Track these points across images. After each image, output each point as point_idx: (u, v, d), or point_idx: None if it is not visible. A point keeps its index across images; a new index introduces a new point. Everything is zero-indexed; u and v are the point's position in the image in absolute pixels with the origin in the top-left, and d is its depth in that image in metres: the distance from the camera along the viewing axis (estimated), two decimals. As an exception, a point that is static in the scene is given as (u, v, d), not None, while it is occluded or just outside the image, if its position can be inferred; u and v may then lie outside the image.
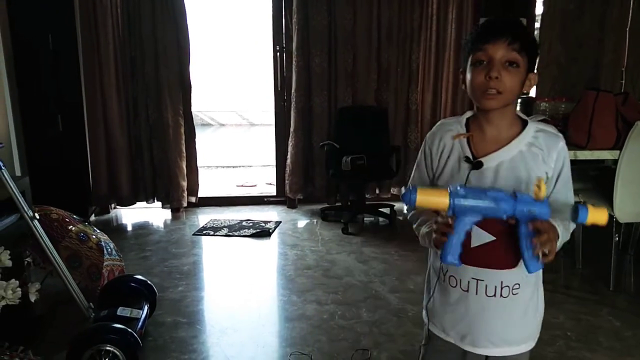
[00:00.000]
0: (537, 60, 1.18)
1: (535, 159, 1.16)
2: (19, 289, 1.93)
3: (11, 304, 1.91)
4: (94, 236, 2.71)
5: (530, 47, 1.13)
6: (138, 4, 4.09)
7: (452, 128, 1.24)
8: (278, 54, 4.48)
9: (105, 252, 2.68)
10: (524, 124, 1.20)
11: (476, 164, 1.16)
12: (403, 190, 1.11)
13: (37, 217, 2.19)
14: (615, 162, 2.74)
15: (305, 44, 4.30)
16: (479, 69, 1.12)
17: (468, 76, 1.15)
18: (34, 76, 3.87)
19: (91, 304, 2.27)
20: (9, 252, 1.96)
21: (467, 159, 1.18)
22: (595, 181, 3.13)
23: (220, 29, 10.97)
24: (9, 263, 1.94)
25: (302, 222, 4.28)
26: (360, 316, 2.61)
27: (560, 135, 1.21)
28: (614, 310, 2.66)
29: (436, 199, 1.06)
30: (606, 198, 2.82)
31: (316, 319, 2.58)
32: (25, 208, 2.12)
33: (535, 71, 1.18)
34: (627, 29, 4.26)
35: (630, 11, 4.24)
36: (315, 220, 4.27)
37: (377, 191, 4.69)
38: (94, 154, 4.22)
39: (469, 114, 1.25)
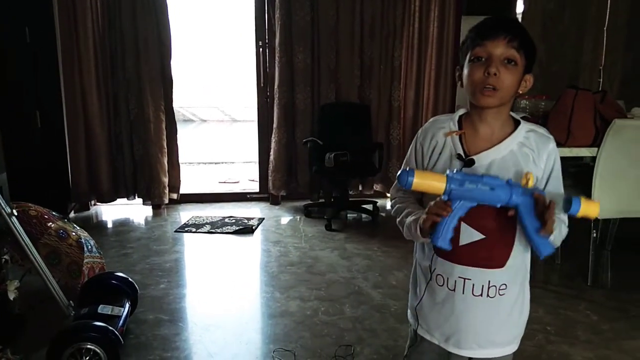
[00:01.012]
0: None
1: (526, 159, 1.17)
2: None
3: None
4: (73, 233, 2.67)
5: (529, 47, 1.14)
6: (118, -3, 4.03)
7: (444, 125, 1.23)
8: (261, 49, 4.46)
9: (85, 249, 2.64)
10: (517, 123, 1.21)
11: (468, 162, 1.16)
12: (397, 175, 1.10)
13: (15, 213, 2.15)
14: (594, 159, 2.79)
15: (288, 40, 4.28)
16: (477, 65, 1.12)
17: (465, 72, 1.15)
18: (10, 71, 3.77)
19: (71, 301, 2.24)
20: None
21: (459, 157, 1.18)
22: (574, 178, 3.18)
23: (202, 24, 10.85)
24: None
25: (285, 219, 4.27)
26: (343, 312, 2.62)
27: (551, 136, 1.22)
28: (591, 304, 2.71)
29: (433, 183, 1.07)
30: (585, 194, 2.85)
31: (299, 315, 2.58)
32: (2, 204, 2.08)
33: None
34: (605, 29, 4.34)
35: (608, 11, 4.31)
36: (298, 217, 4.27)
37: (360, 188, 4.70)
38: (74, 149, 4.15)
39: (461, 111, 1.25)
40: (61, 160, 4.10)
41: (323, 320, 2.53)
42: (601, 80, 4.42)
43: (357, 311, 2.62)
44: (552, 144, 1.21)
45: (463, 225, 1.16)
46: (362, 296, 2.80)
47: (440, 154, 1.21)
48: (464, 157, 1.18)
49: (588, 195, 2.81)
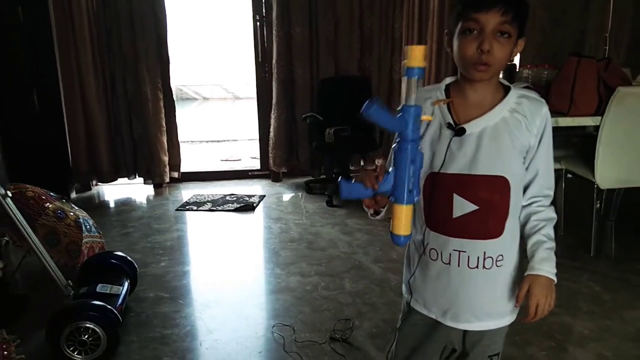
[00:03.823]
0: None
1: (519, 126, 1.13)
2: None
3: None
4: (71, 213, 2.66)
5: (522, 15, 1.08)
6: (111, -27, 3.96)
7: (431, 95, 1.18)
8: (258, 24, 4.38)
9: (84, 229, 2.63)
10: (507, 90, 1.16)
11: (459, 131, 1.12)
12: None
13: (10, 195, 2.14)
14: (597, 128, 2.73)
15: (285, 13, 4.20)
16: (469, 39, 1.06)
17: (455, 43, 1.10)
18: (5, 52, 3.73)
19: (70, 281, 2.24)
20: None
21: (449, 126, 1.14)
22: (577, 148, 3.13)
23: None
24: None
25: (286, 196, 4.25)
26: (343, 287, 2.61)
27: (543, 100, 1.17)
28: (594, 275, 2.69)
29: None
30: (588, 165, 2.82)
31: (299, 291, 2.58)
32: (-4, 186, 2.07)
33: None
34: (611, -6, 4.22)
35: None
36: (299, 194, 4.25)
37: (362, 163, 4.66)
38: (72, 130, 4.13)
39: (448, 80, 1.20)
40: (61, 141, 4.09)
41: (323, 295, 2.53)
42: (607, 47, 4.31)
43: (357, 286, 2.62)
44: (545, 109, 1.16)
45: (456, 197, 1.14)
46: (362, 271, 2.79)
47: (428, 125, 1.17)
48: (454, 125, 1.14)
49: (592, 165, 2.76)
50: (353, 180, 1.05)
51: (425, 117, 1.03)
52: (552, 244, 1.17)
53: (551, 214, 1.19)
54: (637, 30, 4.27)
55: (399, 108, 1.00)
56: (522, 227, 1.20)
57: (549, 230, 1.18)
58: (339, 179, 1.06)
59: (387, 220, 1.07)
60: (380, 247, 3.10)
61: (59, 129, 4.04)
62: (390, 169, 1.02)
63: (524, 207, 1.19)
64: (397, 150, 1.00)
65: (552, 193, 1.21)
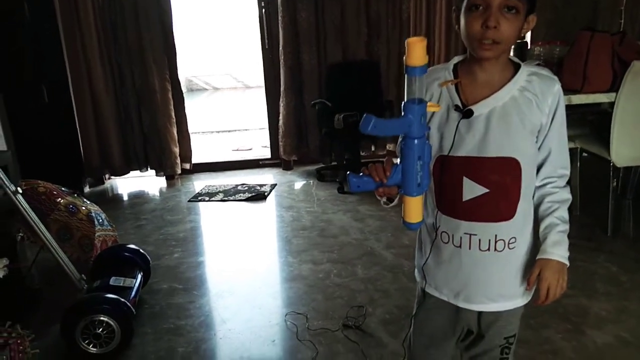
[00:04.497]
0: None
1: (529, 105, 1.09)
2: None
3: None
4: (83, 207, 2.68)
5: None
6: (115, -35, 3.94)
7: (439, 76, 1.15)
8: (263, 10, 4.33)
9: (96, 222, 2.65)
10: (517, 68, 1.12)
11: (466, 112, 1.09)
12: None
13: (20, 191, 2.16)
14: (612, 105, 2.66)
15: (290, -1, 4.15)
16: (475, 15, 1.03)
17: (462, 21, 1.06)
18: (12, 47, 3.75)
19: (83, 275, 2.26)
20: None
21: (456, 108, 1.11)
22: (592, 126, 3.06)
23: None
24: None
25: (298, 184, 4.24)
26: (355, 274, 2.60)
27: (555, 77, 1.13)
28: (611, 256, 2.64)
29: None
30: (603, 143, 2.76)
31: (312, 279, 2.57)
32: (6, 182, 2.08)
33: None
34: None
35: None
36: (311, 181, 4.23)
37: (373, 148, 4.63)
38: (83, 124, 4.15)
39: (456, 59, 1.16)
40: (72, 136, 4.12)
41: (335, 283, 2.52)
42: (622, 21, 4.19)
43: (370, 272, 2.60)
44: (557, 86, 1.12)
45: (465, 180, 1.11)
46: (374, 257, 2.77)
47: None
48: (461, 107, 1.11)
49: (607, 143, 2.69)
50: (361, 174, 1.04)
51: (432, 108, 1.01)
52: (566, 227, 1.14)
53: (565, 195, 1.16)
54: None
55: (402, 104, 0.98)
56: (536, 208, 1.17)
57: (563, 213, 1.15)
58: (347, 173, 1.05)
59: (399, 207, 1.07)
60: (392, 232, 3.08)
61: (69, 123, 4.07)
62: (398, 162, 1.01)
63: (537, 187, 1.16)
64: (404, 147, 0.98)
65: (567, 172, 1.18)
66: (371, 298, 2.35)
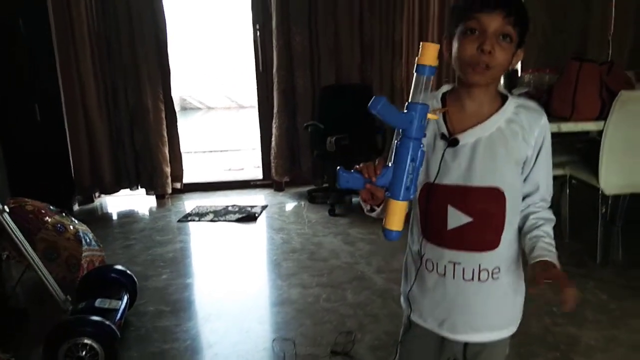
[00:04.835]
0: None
1: (516, 137, 1.10)
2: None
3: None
4: (71, 227, 2.65)
5: (523, 23, 1.06)
6: (111, -15, 3.97)
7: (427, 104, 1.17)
8: (258, 32, 4.38)
9: (83, 242, 2.62)
10: (504, 99, 1.14)
11: (452, 141, 1.10)
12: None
13: (7, 210, 2.14)
14: (601, 133, 2.69)
15: (285, 22, 4.19)
16: (471, 39, 1.04)
17: (455, 45, 1.07)
18: (6, 64, 3.74)
19: (68, 296, 2.23)
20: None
21: (442, 136, 1.12)
22: (581, 153, 3.08)
23: (199, 9, 10.71)
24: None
25: (289, 205, 4.23)
26: (345, 298, 2.58)
27: (542, 110, 1.15)
28: (600, 283, 2.64)
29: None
30: (592, 170, 2.78)
31: (301, 303, 2.55)
32: (-7, 201, 2.06)
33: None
34: (613, -5, 4.19)
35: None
36: (302, 203, 4.22)
37: (365, 170, 4.62)
38: (74, 142, 4.13)
39: (445, 88, 1.18)
40: (63, 153, 4.08)
41: (324, 307, 2.50)
42: (610, 50, 4.27)
43: (359, 297, 2.58)
44: (544, 119, 1.14)
45: (450, 208, 1.12)
46: (364, 281, 2.76)
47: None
48: (447, 136, 1.12)
49: (596, 171, 2.71)
50: (352, 170, 1.04)
51: (431, 116, 1.02)
52: (552, 242, 1.13)
53: (550, 214, 1.17)
54: (640, 33, 4.23)
55: (405, 104, 1.00)
56: (521, 227, 1.17)
57: (548, 229, 1.15)
58: (338, 168, 1.05)
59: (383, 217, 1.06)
60: (383, 257, 3.06)
61: (60, 140, 4.04)
62: (390, 164, 1.01)
63: (521, 211, 1.17)
64: (399, 145, 1.00)
65: (550, 198, 1.19)
66: (360, 323, 2.33)
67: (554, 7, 4.19)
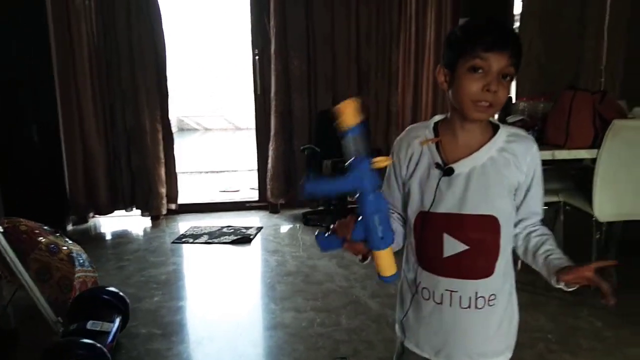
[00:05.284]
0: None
1: (508, 165, 1.12)
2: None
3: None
4: (65, 247, 2.64)
5: (520, 60, 1.08)
6: (112, 8, 4.02)
7: (419, 134, 1.18)
8: (257, 57, 4.43)
9: (76, 263, 2.60)
10: (496, 129, 1.16)
11: (447, 171, 1.12)
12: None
13: (2, 230, 2.12)
14: (594, 161, 2.72)
15: (283, 47, 4.25)
16: (476, 77, 1.05)
17: (458, 81, 1.07)
18: (5, 84, 3.77)
19: (60, 318, 2.21)
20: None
21: (437, 165, 1.13)
22: (575, 180, 3.11)
23: (199, 33, 10.86)
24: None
25: (284, 227, 4.22)
26: (339, 323, 2.56)
27: (532, 138, 1.17)
28: (595, 310, 2.63)
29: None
30: (586, 197, 2.80)
31: (294, 327, 2.53)
32: (-13, 221, 2.05)
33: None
34: (605, 27, 4.27)
35: (608, 9, 4.24)
36: (297, 225, 4.22)
37: (360, 194, 4.64)
38: (71, 162, 4.13)
39: (437, 118, 1.20)
40: (59, 174, 4.08)
41: (318, 332, 2.48)
42: (603, 79, 4.34)
43: (354, 322, 2.57)
44: (535, 147, 1.16)
45: (446, 236, 1.13)
46: (359, 306, 2.74)
47: (417, 163, 1.17)
48: (442, 165, 1.13)
49: (590, 198, 2.73)
50: (327, 234, 1.05)
51: (382, 162, 1.00)
52: (562, 254, 1.13)
53: (547, 230, 1.19)
54: (632, 63, 4.30)
55: (346, 164, 1.00)
56: (524, 248, 1.18)
57: (554, 243, 1.16)
58: (315, 235, 1.07)
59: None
60: (378, 281, 3.03)
61: (56, 160, 4.05)
62: (360, 218, 1.01)
63: (517, 233, 1.19)
64: (360, 202, 1.00)
65: (541, 218, 1.21)
66: (355, 349, 2.31)
67: (548, 37, 4.27)
